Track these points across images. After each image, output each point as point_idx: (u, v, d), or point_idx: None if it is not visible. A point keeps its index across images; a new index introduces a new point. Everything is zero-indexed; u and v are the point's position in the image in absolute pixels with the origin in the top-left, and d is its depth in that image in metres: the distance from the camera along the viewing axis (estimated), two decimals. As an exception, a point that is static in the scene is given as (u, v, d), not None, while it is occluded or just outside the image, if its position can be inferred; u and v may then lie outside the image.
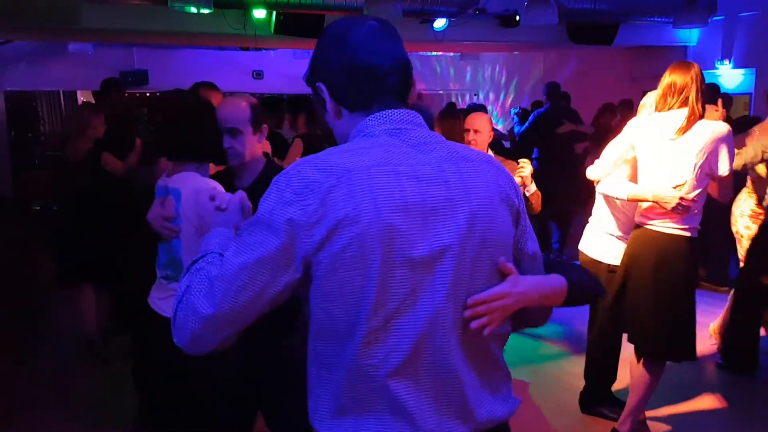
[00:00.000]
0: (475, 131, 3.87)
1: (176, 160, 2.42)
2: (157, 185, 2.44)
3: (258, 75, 12.28)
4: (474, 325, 1.30)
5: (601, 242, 3.58)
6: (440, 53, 12.51)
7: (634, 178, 3.30)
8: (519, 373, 4.33)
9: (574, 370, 4.28)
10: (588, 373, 3.78)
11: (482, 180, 1.34)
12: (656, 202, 3.08)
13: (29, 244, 6.22)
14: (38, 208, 8.54)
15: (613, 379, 3.76)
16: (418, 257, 1.24)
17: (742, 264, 4.51)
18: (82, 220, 4.35)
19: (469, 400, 1.31)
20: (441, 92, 13.26)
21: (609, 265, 3.53)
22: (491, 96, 12.77)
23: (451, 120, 4.95)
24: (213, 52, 11.52)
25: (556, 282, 1.46)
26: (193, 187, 2.30)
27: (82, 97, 14.33)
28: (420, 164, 1.30)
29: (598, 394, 3.74)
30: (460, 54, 12.48)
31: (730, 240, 4.66)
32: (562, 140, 7.46)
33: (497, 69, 12.76)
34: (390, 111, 1.36)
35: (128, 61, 10.96)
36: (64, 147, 4.60)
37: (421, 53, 12.30)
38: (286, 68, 12.23)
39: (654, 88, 3.39)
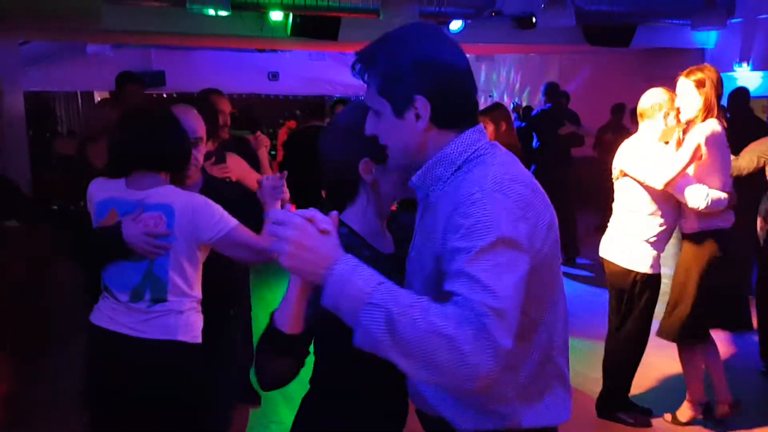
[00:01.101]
0: None
1: (143, 170, 2.27)
2: (117, 200, 2.26)
3: (273, 76, 12.35)
4: None
5: (633, 250, 3.51)
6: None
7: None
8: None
9: (589, 373, 4.26)
10: (607, 378, 3.75)
11: None
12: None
13: (50, 246, 6.27)
14: (56, 207, 8.62)
15: (631, 384, 3.75)
16: None
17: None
18: None
19: None
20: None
21: (640, 273, 3.49)
22: (505, 98, 12.73)
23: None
24: (229, 53, 11.59)
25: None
26: (187, 201, 2.24)
27: (99, 98, 14.46)
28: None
29: (616, 399, 3.72)
30: (474, 56, 12.44)
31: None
32: (562, 141, 7.45)
33: (512, 71, 12.73)
34: (480, 126, 1.43)
35: (146, 62, 11.04)
36: (84, 150, 4.19)
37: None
38: (302, 70, 12.29)
39: (670, 89, 3.47)
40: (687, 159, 3.27)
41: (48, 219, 6.35)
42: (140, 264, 2.21)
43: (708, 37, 8.81)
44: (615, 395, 3.72)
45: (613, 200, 3.68)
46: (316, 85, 12.72)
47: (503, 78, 12.92)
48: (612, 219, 3.66)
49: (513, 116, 11.37)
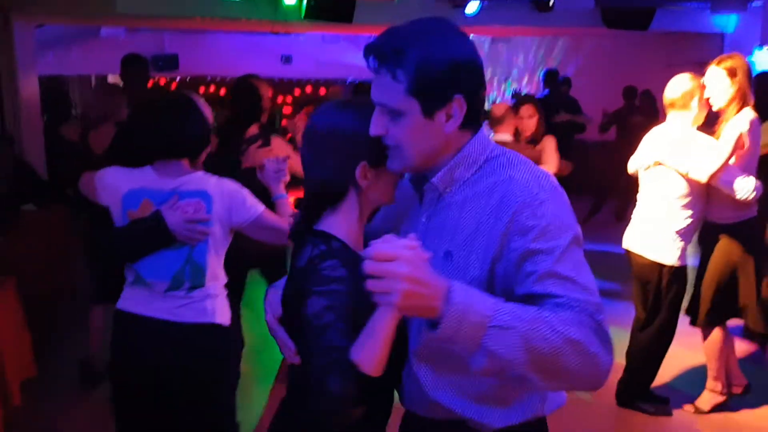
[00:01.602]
0: None
1: (167, 158, 2.30)
2: (150, 190, 2.27)
3: (287, 59, 12.28)
4: None
5: (662, 242, 3.47)
6: (472, 36, 12.37)
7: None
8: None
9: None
10: (631, 369, 3.71)
11: None
12: None
13: (66, 233, 6.29)
14: (71, 193, 8.65)
15: (655, 376, 3.72)
16: None
17: None
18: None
19: None
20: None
21: (668, 266, 3.45)
22: (525, 80, 12.60)
23: None
24: (242, 36, 11.52)
25: None
26: (221, 187, 2.30)
27: (112, 80, 14.47)
28: None
29: (637, 389, 3.70)
30: (491, 38, 12.32)
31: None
32: (559, 129, 7.35)
33: (531, 53, 12.59)
34: (484, 125, 1.47)
35: (159, 45, 11.00)
36: (86, 136, 4.14)
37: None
38: (315, 53, 12.22)
39: (698, 76, 3.42)
40: (730, 150, 3.22)
41: (63, 203, 6.39)
42: (179, 251, 2.24)
43: (727, 21, 8.67)
44: (637, 386, 3.69)
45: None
46: (330, 68, 12.65)
47: (521, 60, 12.77)
48: (637, 210, 3.61)
49: (512, 102, 11.27)
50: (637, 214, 3.61)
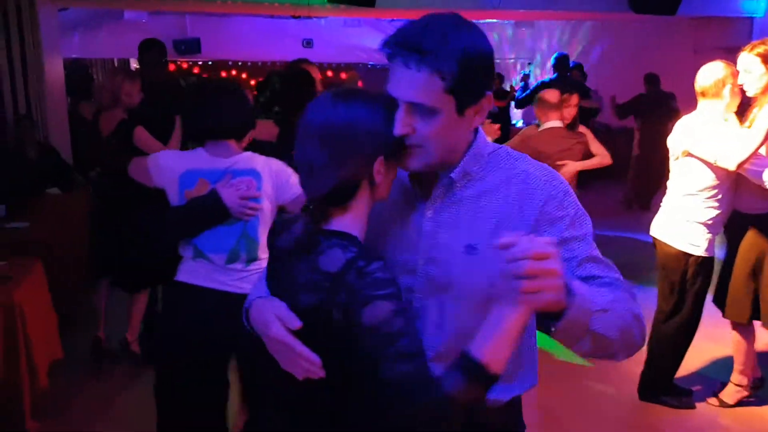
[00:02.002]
0: None
1: (216, 140, 2.41)
2: (205, 170, 2.37)
3: (308, 43, 12.26)
4: None
5: (689, 233, 3.42)
6: (496, 20, 12.25)
7: None
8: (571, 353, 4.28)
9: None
10: (654, 362, 3.67)
11: None
12: None
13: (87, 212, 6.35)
14: (95, 174, 8.73)
15: (677, 368, 3.68)
16: None
17: None
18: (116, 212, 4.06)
19: None
20: (498, 61, 13.00)
21: (695, 257, 3.41)
22: (549, 65, 12.47)
23: None
24: (263, 20, 11.51)
25: None
26: (269, 165, 2.43)
27: (134, 64, 14.54)
28: None
29: (660, 383, 3.67)
30: (514, 22, 12.21)
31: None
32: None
33: (555, 38, 12.44)
34: None
35: (181, 29, 11.04)
36: (97, 118, 4.12)
37: (477, 21, 12.08)
38: (336, 37, 12.18)
39: (719, 60, 3.36)
40: (761, 138, 3.14)
41: (86, 186, 6.44)
42: (234, 227, 2.36)
43: (757, 6, 8.49)
44: (660, 379, 3.66)
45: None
46: (351, 53, 12.61)
47: (545, 45, 12.64)
48: (666, 199, 3.55)
49: (521, 86, 11.18)
50: (665, 203, 3.56)
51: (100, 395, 3.72)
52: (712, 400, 3.66)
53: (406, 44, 1.26)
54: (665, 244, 3.49)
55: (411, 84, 1.27)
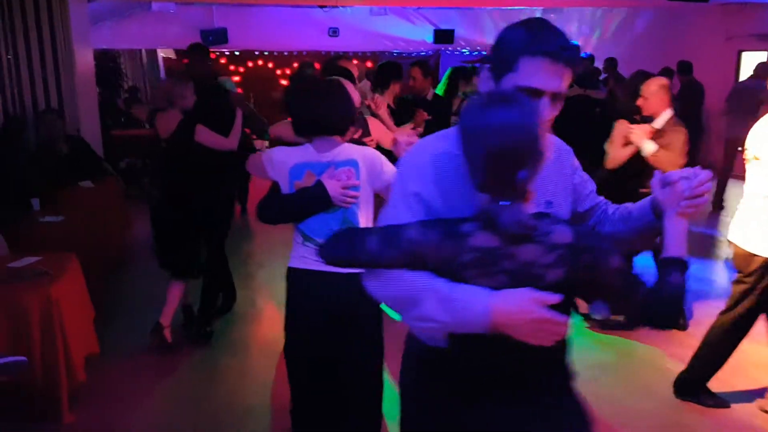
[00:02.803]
0: None
1: (324, 135, 2.59)
2: (312, 164, 2.59)
3: (333, 32, 12.24)
4: None
5: (758, 235, 3.33)
6: (524, 7, 12.11)
7: None
8: (606, 350, 4.27)
9: (666, 348, 4.19)
10: (698, 360, 3.59)
11: None
12: None
13: (123, 205, 6.42)
14: (125, 165, 8.83)
15: (717, 370, 3.62)
16: None
17: None
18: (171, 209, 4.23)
19: None
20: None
21: (763, 258, 3.32)
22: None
23: None
24: (289, 9, 11.51)
25: None
26: (365, 155, 2.63)
27: (162, 54, 14.63)
28: None
29: (699, 380, 3.60)
30: (542, 9, 12.06)
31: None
32: (571, 104, 7.11)
33: (585, 25, 12.28)
34: None
35: (208, 19, 11.07)
36: (152, 119, 4.34)
37: (504, 8, 11.96)
38: (362, 25, 12.14)
39: (752, 48, 3.22)
40: None
41: (118, 177, 6.51)
42: (336, 214, 2.59)
43: (794, -9, 8.29)
44: (699, 376, 3.59)
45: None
46: (376, 41, 12.57)
47: (573, 33, 12.47)
48: (742, 202, 3.49)
49: None
50: (740, 206, 3.49)
51: (135, 388, 3.78)
52: (763, 402, 3.58)
53: (565, 47, 1.53)
54: (736, 245, 3.43)
55: (557, 77, 1.53)
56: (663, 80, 4.26)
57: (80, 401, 3.48)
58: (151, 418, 3.48)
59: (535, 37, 1.51)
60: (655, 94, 4.15)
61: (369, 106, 3.89)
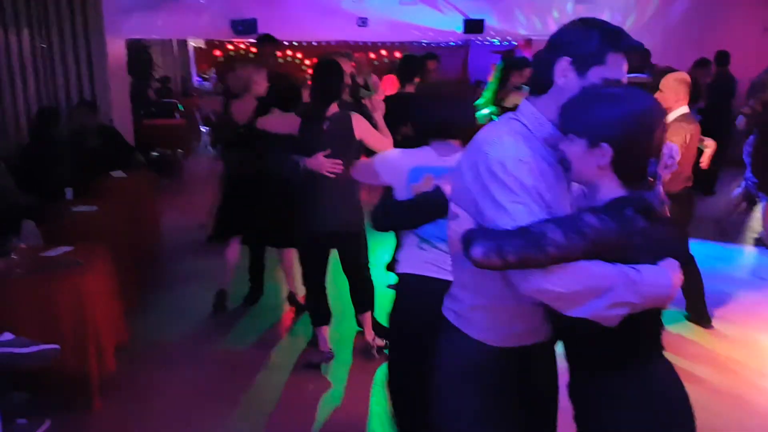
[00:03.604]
0: None
1: (442, 139, 2.55)
2: (432, 168, 2.52)
3: (363, 22, 12.20)
4: None
5: None
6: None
7: None
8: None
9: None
10: None
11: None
12: None
13: (154, 195, 6.50)
14: (156, 155, 8.94)
15: None
16: None
17: None
18: (245, 186, 4.43)
19: None
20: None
21: None
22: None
23: None
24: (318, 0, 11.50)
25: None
26: None
27: (192, 44, 14.75)
28: None
29: None
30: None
31: None
32: None
33: (618, 13, 12.06)
34: None
35: (238, 9, 11.09)
36: (228, 106, 4.53)
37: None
38: (391, 15, 12.08)
39: None
40: None
41: (149, 167, 6.60)
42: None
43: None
44: None
45: None
46: (405, 31, 12.49)
47: (608, 19, 12.25)
48: None
49: None
50: None
51: (164, 378, 3.84)
52: None
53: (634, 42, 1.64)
54: None
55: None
56: (681, 75, 4.18)
57: (110, 389, 3.55)
58: (178, 408, 3.53)
59: (618, 34, 1.62)
60: (670, 88, 4.09)
61: (366, 105, 3.82)
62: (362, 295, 3.92)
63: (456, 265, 1.82)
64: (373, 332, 4.00)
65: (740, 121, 6.75)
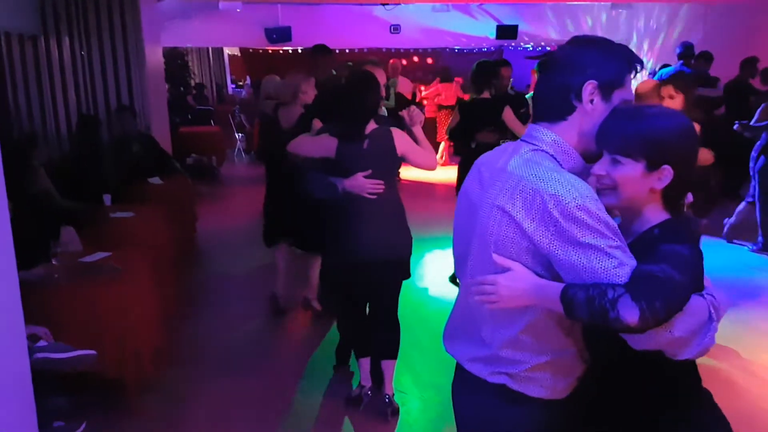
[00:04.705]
0: None
1: None
2: None
3: (395, 29, 12.24)
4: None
5: None
6: (593, 2, 11.81)
7: None
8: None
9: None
10: None
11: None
12: None
13: (191, 201, 6.57)
14: (192, 161, 9.06)
15: None
16: None
17: None
18: (288, 189, 4.43)
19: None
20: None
21: None
22: (645, 46, 11.93)
23: None
24: (351, 7, 11.57)
25: (553, 291, 1.45)
26: None
27: (228, 52, 14.92)
28: None
29: None
30: (611, 4, 11.72)
31: None
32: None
33: (653, 19, 11.88)
34: None
35: (273, 17, 11.23)
36: (276, 112, 4.61)
37: (570, 3, 11.71)
38: (424, 22, 12.10)
39: None
40: None
41: (185, 173, 6.66)
42: None
43: None
44: None
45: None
46: (438, 37, 12.50)
47: (641, 27, 12.08)
48: None
49: None
50: None
51: (199, 382, 3.86)
52: None
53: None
54: None
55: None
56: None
57: (147, 394, 3.58)
58: (214, 415, 3.54)
59: (629, 53, 1.58)
60: (667, 100, 4.04)
61: (403, 118, 3.47)
62: (388, 338, 3.49)
63: (499, 325, 1.61)
64: (393, 385, 3.55)
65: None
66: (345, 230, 3.30)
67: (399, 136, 3.29)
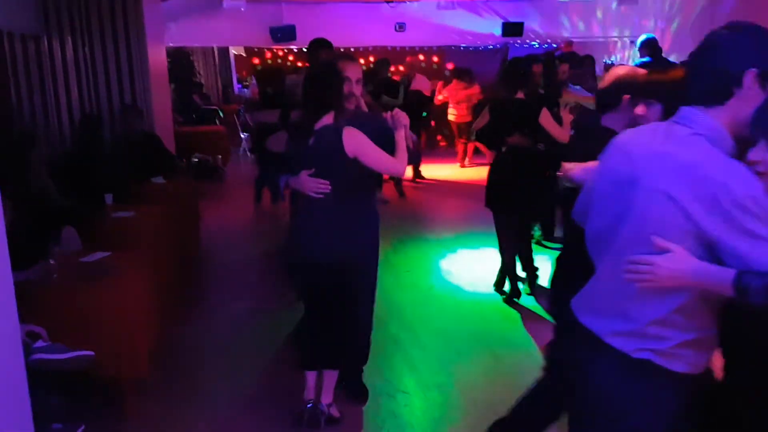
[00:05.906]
0: None
1: None
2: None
3: (400, 27, 12.19)
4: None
5: None
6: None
7: None
8: None
9: None
10: None
11: None
12: None
13: (194, 201, 6.56)
14: (196, 160, 9.04)
15: None
16: None
17: None
18: None
19: None
20: (602, 39, 12.39)
21: None
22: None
23: None
24: (357, 5, 11.53)
25: (721, 275, 1.51)
26: None
27: (233, 51, 14.90)
28: None
29: None
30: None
31: None
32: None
33: (662, 14, 11.77)
34: None
35: (277, 16, 11.19)
36: (286, 116, 4.36)
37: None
38: (429, 19, 12.04)
39: None
40: None
41: (189, 172, 6.63)
42: None
43: None
44: None
45: None
46: (443, 35, 12.44)
47: (650, 23, 11.97)
48: None
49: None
50: None
51: (197, 384, 3.84)
52: None
53: None
54: None
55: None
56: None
57: (145, 395, 3.56)
58: (212, 417, 3.52)
59: None
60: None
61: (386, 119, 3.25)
62: (326, 346, 3.27)
63: (649, 304, 1.66)
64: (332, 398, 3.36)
65: None
66: (294, 227, 3.30)
67: (350, 136, 3.02)
